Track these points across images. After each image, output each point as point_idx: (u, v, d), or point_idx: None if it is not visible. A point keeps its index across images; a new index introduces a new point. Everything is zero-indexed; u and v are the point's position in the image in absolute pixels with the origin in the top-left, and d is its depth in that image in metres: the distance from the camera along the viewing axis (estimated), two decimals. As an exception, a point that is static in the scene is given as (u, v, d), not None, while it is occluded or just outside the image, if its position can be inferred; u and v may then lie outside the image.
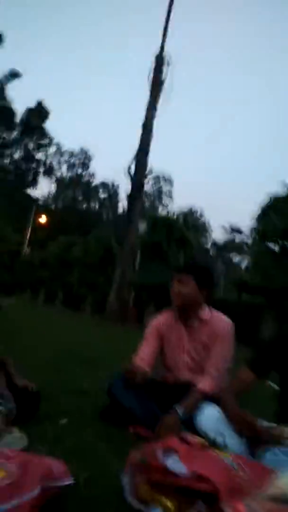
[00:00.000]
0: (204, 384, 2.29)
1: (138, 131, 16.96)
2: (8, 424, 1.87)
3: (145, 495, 1.29)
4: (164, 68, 17.53)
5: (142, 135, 16.81)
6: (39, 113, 45.26)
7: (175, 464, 1.24)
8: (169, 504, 1.23)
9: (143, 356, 2.50)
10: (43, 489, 1.22)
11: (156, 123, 16.90)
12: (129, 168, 16.61)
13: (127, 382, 2.19)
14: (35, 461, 1.28)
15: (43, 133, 47.38)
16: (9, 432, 1.78)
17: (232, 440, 1.59)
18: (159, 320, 2.61)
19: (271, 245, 10.46)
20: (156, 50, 17.70)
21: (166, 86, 17.70)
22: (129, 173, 16.55)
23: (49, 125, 48.83)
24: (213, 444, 1.51)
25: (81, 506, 1.34)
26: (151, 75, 17.47)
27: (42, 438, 1.94)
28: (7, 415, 1.88)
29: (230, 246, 55.09)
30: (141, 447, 1.43)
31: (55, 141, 51.09)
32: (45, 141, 48.72)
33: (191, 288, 2.43)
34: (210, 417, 1.81)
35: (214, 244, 59.61)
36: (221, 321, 2.48)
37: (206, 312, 2.51)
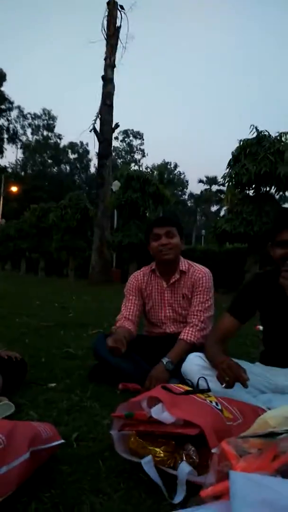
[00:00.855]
0: (188, 334, 2.32)
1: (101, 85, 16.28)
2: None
3: (135, 446, 1.32)
4: (119, 14, 16.59)
5: (103, 87, 16.13)
6: (-5, 76, 42.87)
7: (160, 413, 1.25)
8: (158, 451, 1.26)
9: (127, 314, 2.50)
10: (33, 452, 1.22)
11: (119, 77, 16.25)
12: (94, 123, 16.08)
13: (112, 354, 2.19)
14: (22, 426, 1.28)
15: (2, 97, 45.12)
16: (-4, 402, 1.77)
17: (215, 384, 1.62)
18: (137, 277, 2.60)
19: (246, 190, 10.46)
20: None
21: (123, 34, 16.94)
22: (95, 129, 16.03)
23: (7, 88, 46.64)
24: (197, 388, 1.53)
25: (73, 464, 1.36)
26: (105, 22, 16.55)
27: (32, 404, 1.96)
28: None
29: (207, 196, 55.15)
30: (126, 401, 1.44)
31: (15, 104, 48.95)
32: (6, 105, 46.49)
33: (178, 239, 2.45)
34: (193, 363, 1.84)
35: (192, 196, 59.56)
36: (199, 271, 2.49)
37: (184, 264, 2.51)
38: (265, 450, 0.96)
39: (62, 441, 1.37)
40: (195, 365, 1.83)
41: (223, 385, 1.58)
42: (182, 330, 2.39)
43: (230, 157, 10.13)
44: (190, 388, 1.47)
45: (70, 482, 1.25)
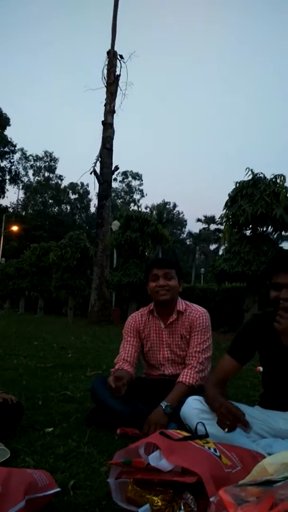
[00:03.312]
0: (187, 376, 2.31)
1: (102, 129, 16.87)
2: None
3: (133, 495, 1.29)
4: (118, 63, 17.43)
5: (103, 131, 16.71)
6: (-1, 120, 44.38)
7: (158, 460, 1.24)
8: (156, 500, 1.24)
9: (125, 356, 2.49)
10: (29, 500, 1.20)
11: (119, 121, 16.92)
12: (94, 166, 16.51)
13: (113, 393, 2.18)
14: (18, 474, 1.26)
15: (5, 140, 46.53)
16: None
17: (214, 428, 1.60)
18: (135, 319, 2.62)
19: (243, 231, 10.59)
20: (108, 46, 17.61)
21: (122, 82, 17.67)
22: (95, 171, 16.44)
23: (10, 132, 48.14)
24: (195, 433, 1.52)
25: (70, 513, 1.33)
26: (105, 71, 17.35)
27: (29, 449, 1.92)
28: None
29: (205, 235, 55.69)
30: (124, 448, 1.43)
31: (18, 147, 50.38)
32: (9, 148, 47.87)
33: (176, 281, 2.49)
34: (192, 407, 1.82)
35: (190, 234, 60.11)
36: (197, 311, 2.51)
37: (181, 304, 2.54)
38: (262, 498, 0.96)
39: (58, 489, 1.35)
40: (193, 409, 1.81)
41: (225, 430, 1.56)
42: (180, 372, 2.38)
43: (227, 197, 10.34)
44: (188, 434, 1.46)
45: (66, 533, 1.22)
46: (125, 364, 2.45)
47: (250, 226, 10.19)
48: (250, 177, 10.04)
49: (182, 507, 1.20)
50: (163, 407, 2.17)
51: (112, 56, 17.34)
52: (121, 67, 17.57)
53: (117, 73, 17.37)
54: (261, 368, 2.22)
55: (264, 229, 10.24)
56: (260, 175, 10.01)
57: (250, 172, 10.06)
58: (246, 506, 0.95)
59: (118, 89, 17.34)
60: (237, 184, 10.10)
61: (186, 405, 1.89)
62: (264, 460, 1.20)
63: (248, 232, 10.54)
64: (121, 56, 17.54)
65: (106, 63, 17.41)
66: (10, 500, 1.17)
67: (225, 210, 10.34)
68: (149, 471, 1.26)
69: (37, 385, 3.41)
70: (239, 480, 1.15)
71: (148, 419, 2.16)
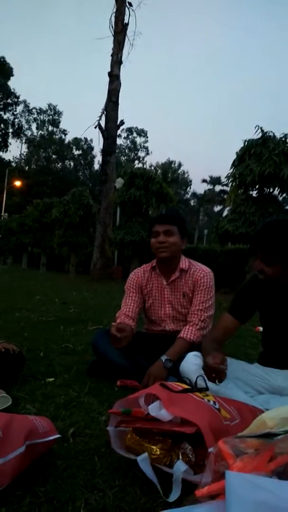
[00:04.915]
0: (188, 332, 2.32)
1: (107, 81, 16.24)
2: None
3: (132, 443, 1.31)
4: (127, 11, 16.52)
5: (109, 83, 16.09)
6: (1, 70, 42.78)
7: (158, 410, 1.24)
8: (155, 448, 1.25)
9: (127, 310, 2.49)
10: (29, 446, 1.22)
11: (126, 74, 16.22)
12: (99, 120, 16.05)
13: (114, 344, 2.20)
14: (19, 420, 1.27)
15: (8, 92, 45.06)
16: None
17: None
18: (138, 274, 2.59)
19: (250, 191, 10.42)
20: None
21: (130, 31, 16.84)
22: (100, 125, 15.99)
23: (13, 83, 46.57)
24: (195, 387, 1.53)
25: (69, 459, 1.36)
26: (113, 19, 16.48)
27: (30, 398, 1.95)
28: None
29: (210, 196, 55.07)
30: (124, 398, 1.44)
31: (21, 99, 48.86)
32: (12, 99, 46.44)
33: (177, 238, 2.42)
34: (192, 362, 1.84)
35: (195, 195, 59.48)
36: (201, 270, 2.47)
37: (185, 262, 2.50)
38: (262, 450, 0.96)
39: (59, 435, 1.37)
40: (193, 364, 1.82)
41: (216, 382, 1.59)
42: (181, 328, 2.39)
43: (234, 157, 10.10)
44: (188, 387, 1.47)
45: (65, 477, 1.24)
46: (127, 318, 2.45)
47: (257, 186, 10.03)
48: (260, 135, 9.76)
49: (180, 457, 1.21)
50: (163, 361, 2.19)
51: (121, 4, 16.40)
52: (129, 15, 16.70)
53: (125, 21, 16.50)
54: (261, 328, 2.22)
55: (271, 190, 10.07)
56: (270, 134, 9.72)
57: (259, 131, 9.77)
58: (245, 457, 0.95)
59: (126, 39, 16.54)
60: (246, 143, 9.85)
61: (185, 360, 1.90)
62: (264, 414, 1.21)
63: (254, 193, 10.39)
64: (129, 4, 16.61)
65: (114, 10, 16.51)
66: (10, 445, 1.18)
67: (232, 169, 10.14)
68: (148, 421, 1.27)
69: (39, 337, 3.46)
70: (237, 432, 1.15)
71: (148, 371, 2.18)
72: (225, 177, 10.62)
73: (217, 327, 2.01)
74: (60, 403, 1.91)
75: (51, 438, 1.32)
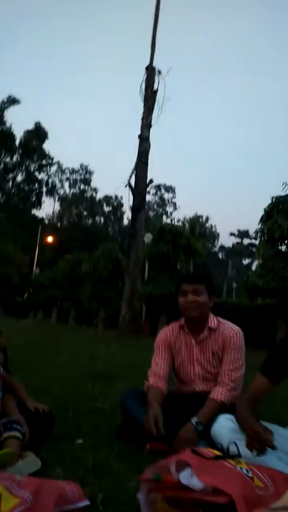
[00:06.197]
0: (218, 393, 2.27)
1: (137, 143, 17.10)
2: (23, 448, 1.85)
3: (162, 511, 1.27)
4: (156, 78, 17.68)
5: (139, 145, 16.92)
6: (37, 134, 45.87)
7: (189, 478, 1.22)
8: (186, 519, 1.21)
9: (158, 370, 2.47)
10: (59, 512, 1.21)
11: (154, 135, 17.08)
12: (130, 179, 16.72)
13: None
14: (49, 485, 1.27)
15: (43, 154, 47.98)
16: (23, 457, 1.77)
17: (246, 448, 1.56)
18: (167, 333, 2.59)
19: (278, 246, 10.40)
20: (146, 61, 17.94)
21: (159, 96, 17.90)
22: (130, 184, 16.63)
23: (48, 145, 49.50)
24: (227, 453, 1.49)
25: (98, 527, 1.32)
26: (143, 86, 17.65)
27: (59, 460, 1.93)
28: (20, 439, 1.86)
29: (238, 249, 55.01)
30: (155, 464, 1.41)
31: (55, 160, 51.73)
32: (46, 161, 49.29)
33: (205, 297, 2.42)
34: (223, 426, 1.79)
35: (223, 248, 59.56)
36: (230, 329, 2.45)
37: (213, 321, 2.49)
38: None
39: (88, 502, 1.34)
40: (225, 428, 1.77)
41: (254, 453, 1.52)
42: (212, 388, 2.34)
43: (261, 211, 10.22)
44: (220, 453, 1.43)
45: None
46: (158, 379, 2.42)
47: (286, 242, 10.00)
48: (287, 192, 9.89)
49: (213, 528, 1.17)
50: (194, 424, 2.14)
51: (150, 72, 17.62)
52: (158, 82, 17.84)
53: (155, 88, 17.62)
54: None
55: (300, 245, 10.02)
56: (297, 190, 9.85)
57: (287, 187, 9.92)
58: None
59: (155, 103, 17.58)
60: (273, 199, 9.97)
61: (217, 424, 1.85)
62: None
63: (283, 248, 10.34)
64: (159, 72, 17.83)
65: (144, 78, 17.72)
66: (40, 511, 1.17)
67: (260, 225, 10.21)
68: (180, 489, 1.24)
69: (67, 394, 3.44)
70: (270, 502, 1.11)
71: (178, 434, 2.12)
72: (254, 232, 10.69)
73: (249, 389, 1.96)
74: (89, 466, 1.87)
75: (81, 505, 1.30)
